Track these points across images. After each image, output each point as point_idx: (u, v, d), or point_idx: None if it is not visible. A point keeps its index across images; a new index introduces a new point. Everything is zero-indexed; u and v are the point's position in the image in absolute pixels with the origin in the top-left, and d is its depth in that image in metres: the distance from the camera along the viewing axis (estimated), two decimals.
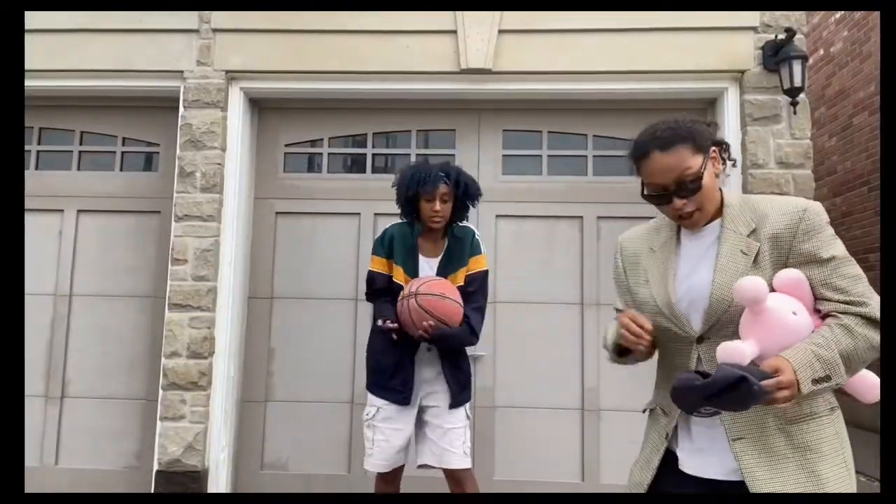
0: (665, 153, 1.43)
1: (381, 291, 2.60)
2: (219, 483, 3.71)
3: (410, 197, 2.52)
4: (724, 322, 1.43)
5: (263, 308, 4.00)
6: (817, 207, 1.43)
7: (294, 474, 3.87)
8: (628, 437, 3.70)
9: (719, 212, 1.51)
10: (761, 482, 1.36)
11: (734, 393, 1.19)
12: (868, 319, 1.35)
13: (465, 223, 2.67)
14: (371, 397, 2.58)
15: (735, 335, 1.40)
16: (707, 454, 1.45)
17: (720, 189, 1.53)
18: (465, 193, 2.53)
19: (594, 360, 3.83)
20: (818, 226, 1.41)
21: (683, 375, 1.28)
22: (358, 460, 3.86)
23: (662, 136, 1.44)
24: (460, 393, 2.55)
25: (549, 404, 3.84)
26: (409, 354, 2.51)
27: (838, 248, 1.41)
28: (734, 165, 1.66)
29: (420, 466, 2.60)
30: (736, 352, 1.28)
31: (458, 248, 2.58)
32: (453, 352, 2.56)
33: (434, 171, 2.48)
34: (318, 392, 3.91)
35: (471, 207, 2.64)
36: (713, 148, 1.48)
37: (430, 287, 2.36)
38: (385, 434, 2.50)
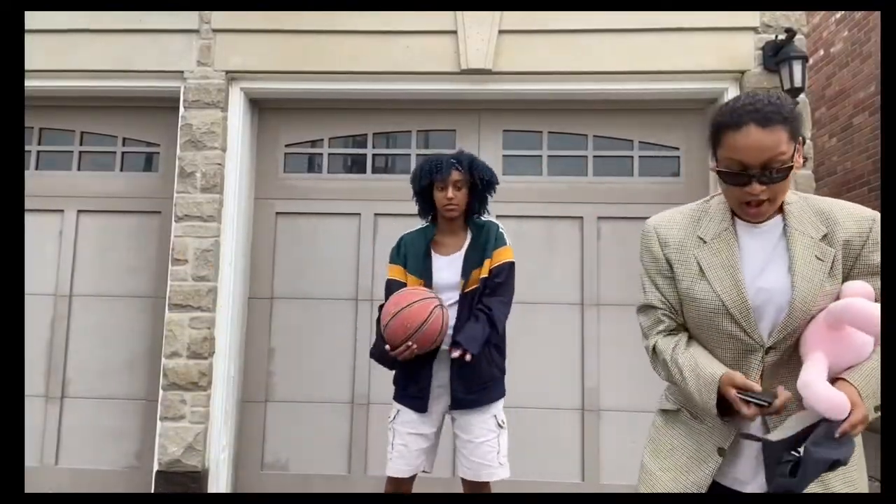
0: (763, 130, 1.26)
1: None
2: (219, 483, 3.71)
3: (424, 187, 2.44)
4: (794, 332, 1.32)
5: (263, 308, 4.00)
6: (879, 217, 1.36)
7: (294, 474, 3.87)
8: (628, 437, 3.71)
9: (779, 208, 1.39)
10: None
11: (830, 470, 1.16)
12: None
13: (487, 217, 2.57)
14: (394, 402, 2.53)
15: (796, 348, 1.33)
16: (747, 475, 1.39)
17: None
18: (479, 179, 2.43)
19: (594, 360, 3.83)
20: (879, 237, 1.33)
21: (778, 481, 1.18)
22: (358, 460, 3.86)
23: (764, 111, 1.28)
24: (466, 392, 2.38)
25: (549, 404, 3.84)
26: (427, 360, 2.40)
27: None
28: (804, 165, 1.57)
29: (463, 480, 2.49)
30: (839, 409, 1.17)
31: (480, 241, 2.47)
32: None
33: (445, 158, 2.42)
34: (318, 392, 3.90)
35: (489, 197, 2.53)
36: (801, 140, 1.35)
37: (385, 321, 2.28)
38: (404, 439, 2.44)
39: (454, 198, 2.39)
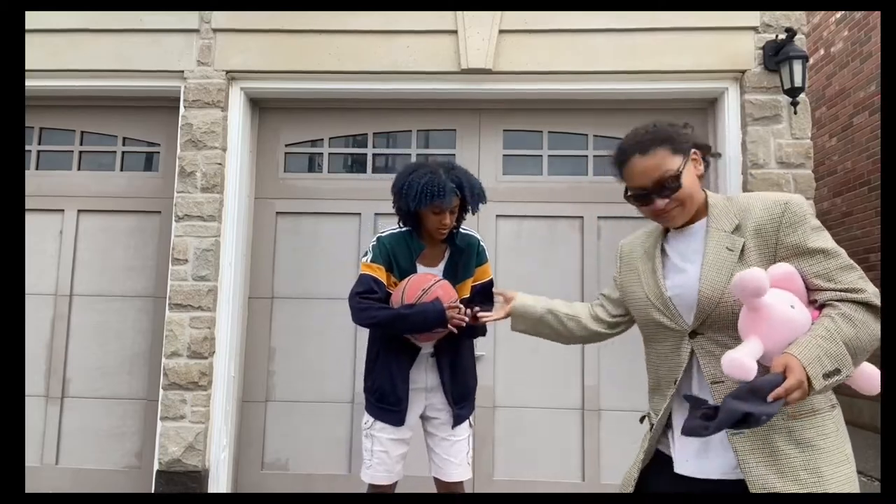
0: (644, 157, 1.49)
1: (379, 300, 2.33)
2: (219, 483, 3.71)
3: (418, 209, 2.29)
4: (714, 318, 1.45)
5: (264, 308, 4.00)
6: (799, 199, 1.45)
7: (294, 474, 3.87)
8: (629, 437, 3.71)
9: (705, 212, 1.55)
10: (761, 479, 1.35)
11: (745, 424, 1.22)
12: (867, 306, 1.35)
13: (467, 230, 2.50)
14: (366, 413, 2.47)
15: (727, 330, 1.43)
16: (705, 454, 1.46)
17: (705, 190, 1.57)
18: (472, 200, 2.35)
19: (594, 360, 3.83)
20: (801, 217, 1.42)
21: (690, 422, 1.30)
22: (358, 460, 3.86)
23: (642, 141, 1.51)
24: (461, 408, 2.43)
25: (549, 404, 3.84)
26: (404, 369, 2.37)
27: (826, 239, 1.42)
28: (713, 156, 1.66)
29: (436, 479, 2.48)
30: (741, 369, 1.26)
31: (463, 258, 2.41)
32: (455, 359, 2.42)
33: (446, 184, 2.24)
34: (319, 392, 3.91)
35: (471, 213, 2.47)
36: (693, 150, 1.53)
37: (397, 297, 2.26)
38: (384, 445, 2.39)
39: (449, 222, 2.30)
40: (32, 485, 3.78)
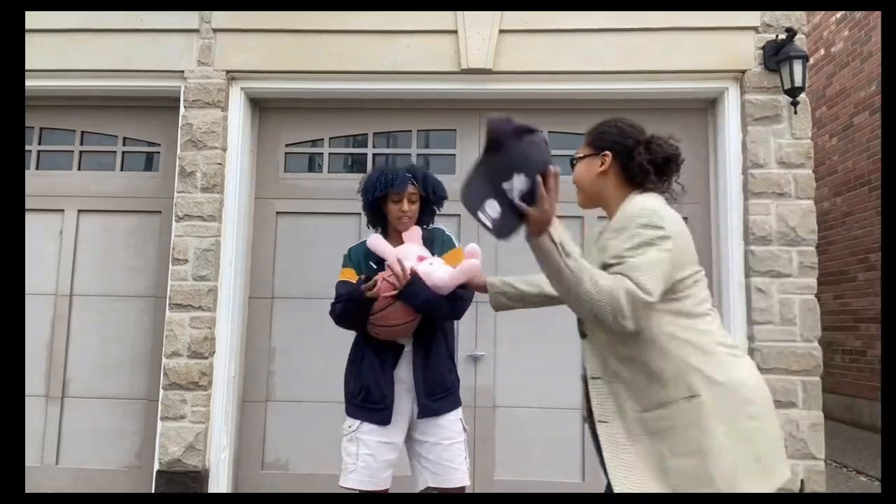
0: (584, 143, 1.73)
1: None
2: (219, 483, 3.71)
3: (378, 198, 2.38)
4: None
5: (264, 308, 4.00)
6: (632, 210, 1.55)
7: (294, 474, 3.87)
8: None
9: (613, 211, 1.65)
10: (611, 468, 1.49)
11: (534, 147, 1.47)
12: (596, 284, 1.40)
13: (435, 226, 2.53)
14: (348, 417, 2.42)
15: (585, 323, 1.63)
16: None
17: (637, 195, 1.61)
18: (433, 194, 2.42)
19: None
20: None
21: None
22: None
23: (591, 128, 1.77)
24: (434, 400, 2.31)
25: (550, 404, 3.84)
26: (388, 367, 2.33)
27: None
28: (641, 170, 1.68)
29: (424, 490, 2.37)
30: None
31: (431, 250, 2.41)
32: (427, 350, 2.36)
33: (401, 171, 2.38)
34: (319, 392, 3.91)
35: (437, 211, 2.51)
36: (606, 152, 1.66)
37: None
38: (371, 448, 2.30)
39: (408, 210, 2.36)
40: (32, 485, 3.78)
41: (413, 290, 2.18)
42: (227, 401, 3.78)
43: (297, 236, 4.05)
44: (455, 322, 2.52)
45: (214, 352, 3.75)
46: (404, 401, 2.35)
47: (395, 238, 2.45)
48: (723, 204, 3.81)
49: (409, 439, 2.40)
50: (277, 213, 4.07)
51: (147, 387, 3.90)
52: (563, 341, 3.88)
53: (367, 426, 2.34)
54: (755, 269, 3.60)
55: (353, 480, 2.34)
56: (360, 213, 4.00)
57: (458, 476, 2.32)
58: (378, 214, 2.46)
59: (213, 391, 3.72)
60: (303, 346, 3.95)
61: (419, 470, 2.37)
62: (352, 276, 2.42)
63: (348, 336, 4.12)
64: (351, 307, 2.28)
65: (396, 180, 2.34)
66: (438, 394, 2.35)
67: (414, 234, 2.41)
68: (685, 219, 3.92)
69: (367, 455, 2.32)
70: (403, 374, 2.35)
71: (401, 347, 2.36)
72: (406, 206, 2.36)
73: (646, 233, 1.45)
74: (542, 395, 3.84)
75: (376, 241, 2.34)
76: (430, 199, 2.43)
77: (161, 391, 3.72)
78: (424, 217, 2.48)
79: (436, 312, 2.28)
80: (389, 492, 2.38)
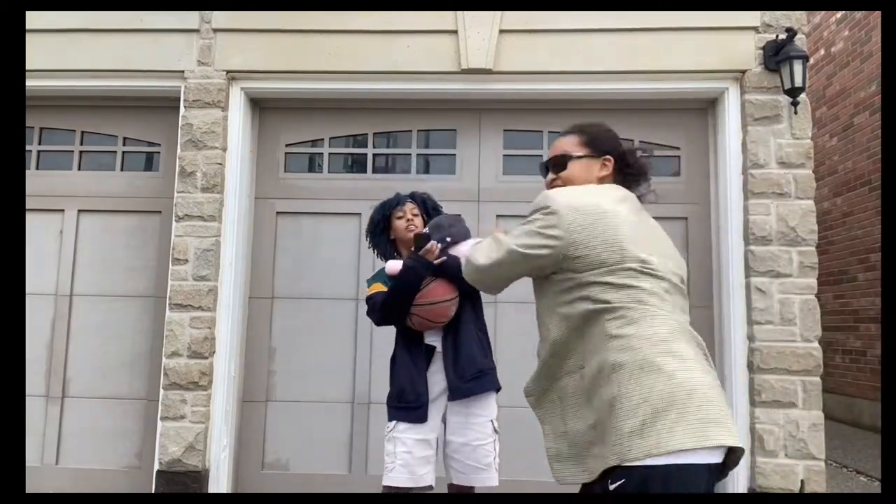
0: (563, 136, 1.69)
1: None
2: (219, 483, 3.71)
3: (385, 217, 2.61)
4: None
5: (264, 308, 4.00)
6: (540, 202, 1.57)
7: (294, 474, 3.87)
8: None
9: None
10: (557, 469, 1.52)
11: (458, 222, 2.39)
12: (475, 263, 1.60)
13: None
14: (389, 421, 2.47)
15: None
16: None
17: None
18: (431, 208, 2.67)
19: None
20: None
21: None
22: (358, 460, 3.87)
23: (573, 125, 1.72)
24: (461, 381, 2.36)
25: None
26: (422, 368, 2.40)
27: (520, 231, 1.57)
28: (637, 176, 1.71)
29: (450, 486, 2.44)
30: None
31: None
32: (456, 337, 2.43)
33: (398, 194, 2.65)
34: (319, 392, 3.91)
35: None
36: (607, 156, 1.64)
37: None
38: (407, 445, 2.35)
39: (413, 220, 2.57)
40: (32, 485, 3.78)
41: (450, 259, 2.38)
42: (227, 401, 3.78)
43: (297, 236, 4.05)
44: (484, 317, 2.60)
45: (214, 352, 3.75)
46: (439, 400, 2.43)
47: (406, 257, 2.58)
48: (723, 204, 3.81)
49: (441, 438, 2.47)
50: (277, 213, 4.07)
51: (147, 387, 3.90)
52: None
53: (402, 425, 2.40)
54: (755, 269, 3.60)
55: (393, 479, 2.37)
56: (359, 214, 4.02)
57: (483, 475, 2.39)
58: (387, 239, 2.65)
59: (213, 391, 3.72)
60: (303, 346, 3.95)
61: (446, 468, 2.45)
62: (382, 289, 2.52)
63: (348, 336, 4.13)
64: (408, 278, 2.38)
65: (399, 201, 2.61)
66: (470, 374, 2.40)
67: None
68: (685, 219, 3.95)
69: (404, 453, 2.37)
70: (437, 377, 2.43)
71: (432, 349, 2.44)
72: (409, 216, 2.58)
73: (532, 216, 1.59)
74: None
75: (394, 265, 2.47)
76: (428, 212, 2.67)
77: (161, 391, 3.72)
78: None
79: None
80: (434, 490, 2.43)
